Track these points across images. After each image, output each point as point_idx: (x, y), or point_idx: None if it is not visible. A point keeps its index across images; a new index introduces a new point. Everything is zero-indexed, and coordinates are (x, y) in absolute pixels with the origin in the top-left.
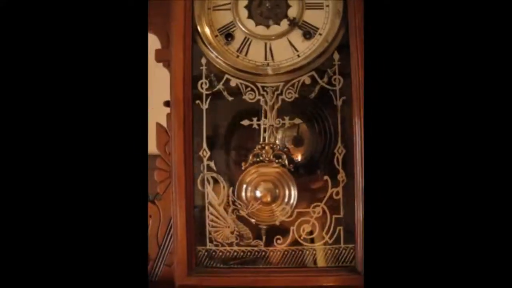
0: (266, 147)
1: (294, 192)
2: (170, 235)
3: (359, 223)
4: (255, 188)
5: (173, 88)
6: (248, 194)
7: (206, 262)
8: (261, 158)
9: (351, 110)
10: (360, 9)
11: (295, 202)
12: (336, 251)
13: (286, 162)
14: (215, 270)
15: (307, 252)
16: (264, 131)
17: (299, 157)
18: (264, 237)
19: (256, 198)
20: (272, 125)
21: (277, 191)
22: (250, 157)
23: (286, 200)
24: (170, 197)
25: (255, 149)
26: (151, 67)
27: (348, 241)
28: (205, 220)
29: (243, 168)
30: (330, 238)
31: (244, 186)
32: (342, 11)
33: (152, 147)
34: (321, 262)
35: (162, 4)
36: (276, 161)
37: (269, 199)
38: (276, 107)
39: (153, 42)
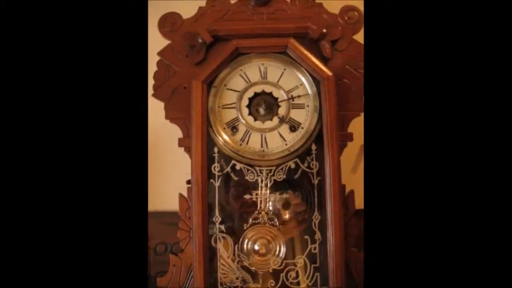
0: (262, 212)
1: (283, 246)
2: (190, 279)
3: (332, 271)
4: (254, 243)
5: (194, 171)
6: (249, 247)
7: None
8: (258, 220)
9: (324, 187)
10: (332, 111)
11: (284, 254)
12: None
13: (277, 223)
14: None
15: None
16: (260, 202)
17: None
18: (260, 281)
19: (254, 251)
20: (266, 198)
21: (270, 245)
22: (250, 220)
23: (277, 252)
24: (190, 251)
25: (254, 214)
26: (175, 150)
27: (323, 284)
28: (217, 269)
29: (245, 228)
30: (310, 281)
31: (246, 241)
32: (319, 111)
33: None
34: None
35: (182, 100)
36: (270, 222)
37: (264, 251)
38: (269, 184)
39: (177, 132)
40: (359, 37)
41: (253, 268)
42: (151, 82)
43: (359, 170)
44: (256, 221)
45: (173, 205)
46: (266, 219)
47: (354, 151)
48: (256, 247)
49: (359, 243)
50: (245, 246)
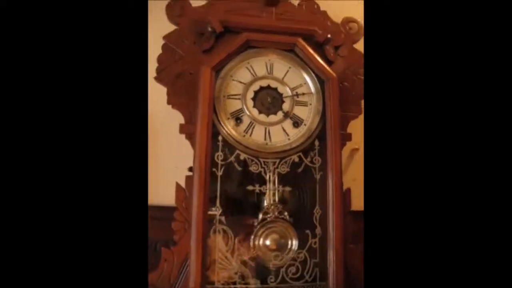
0: (272, 207)
1: (295, 241)
2: (182, 276)
3: (330, 265)
4: (266, 238)
5: (197, 158)
6: (261, 242)
7: None
8: (268, 215)
9: (326, 182)
10: (335, 109)
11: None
12: (313, 287)
13: (287, 217)
14: None
15: None
16: (265, 194)
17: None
18: (260, 277)
19: (266, 246)
20: (271, 190)
21: (282, 240)
22: (261, 215)
23: (288, 247)
24: (184, 244)
25: (264, 208)
26: (175, 136)
27: (322, 279)
28: (214, 263)
29: (255, 223)
30: (309, 277)
31: (257, 236)
32: (322, 110)
33: (169, 200)
34: None
35: (187, 86)
36: (280, 217)
37: (275, 247)
38: (273, 177)
39: (178, 118)
40: (358, 46)
41: (253, 263)
42: (153, 65)
43: (348, 172)
44: (267, 216)
45: (159, 198)
46: (277, 213)
47: (345, 153)
48: (268, 242)
49: (355, 241)
50: (256, 240)
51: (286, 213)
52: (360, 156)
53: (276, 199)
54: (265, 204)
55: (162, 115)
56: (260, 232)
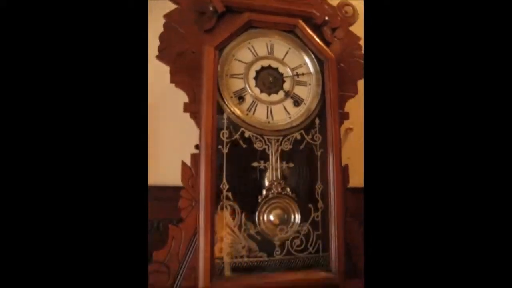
0: (275, 183)
1: (298, 216)
2: (190, 253)
3: (332, 237)
4: (270, 213)
5: (203, 135)
6: (265, 218)
7: (222, 272)
8: (272, 191)
9: (327, 159)
10: (334, 89)
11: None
12: (317, 258)
13: (290, 192)
14: (230, 277)
15: (298, 259)
16: (269, 171)
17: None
18: (266, 250)
19: (270, 221)
20: (274, 167)
21: (285, 215)
22: (264, 192)
23: (292, 222)
24: (191, 221)
25: (267, 185)
26: (179, 115)
27: (324, 251)
28: (222, 238)
29: (259, 200)
30: (313, 249)
31: (261, 212)
32: (321, 90)
33: (174, 181)
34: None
35: (190, 65)
36: (283, 193)
37: (278, 221)
38: (277, 154)
39: (182, 97)
40: (353, 29)
41: (260, 237)
42: (154, 44)
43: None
44: (270, 192)
45: (159, 179)
46: (279, 189)
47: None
48: (271, 217)
49: (353, 215)
50: (260, 216)
51: (288, 189)
52: (353, 136)
53: (279, 175)
54: (268, 180)
55: (162, 95)
56: (264, 208)
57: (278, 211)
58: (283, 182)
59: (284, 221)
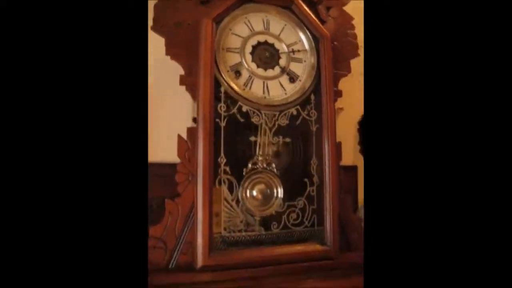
0: (261, 158)
1: (280, 190)
2: (187, 228)
3: (327, 211)
4: (252, 189)
5: (200, 109)
6: (248, 193)
7: (220, 246)
8: (256, 166)
9: (322, 134)
10: (329, 66)
11: (281, 198)
12: (312, 231)
13: (275, 169)
14: (228, 251)
15: (294, 233)
16: (265, 145)
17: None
18: (264, 225)
19: (253, 197)
20: (271, 141)
21: (268, 191)
22: (250, 165)
23: (276, 196)
24: (188, 196)
25: (261, 158)
26: (175, 88)
27: (319, 225)
28: (220, 212)
29: (244, 174)
30: (308, 222)
31: (245, 186)
32: (316, 67)
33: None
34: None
35: (186, 37)
36: (268, 168)
37: (260, 197)
38: (273, 129)
39: (178, 69)
40: (347, 8)
41: (257, 211)
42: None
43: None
44: (255, 166)
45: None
46: (264, 165)
47: None
48: (254, 193)
49: (347, 191)
50: (244, 190)
51: (273, 165)
52: (344, 115)
53: (273, 150)
54: (258, 155)
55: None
56: (246, 184)
57: (272, 187)
58: (269, 157)
59: (267, 196)
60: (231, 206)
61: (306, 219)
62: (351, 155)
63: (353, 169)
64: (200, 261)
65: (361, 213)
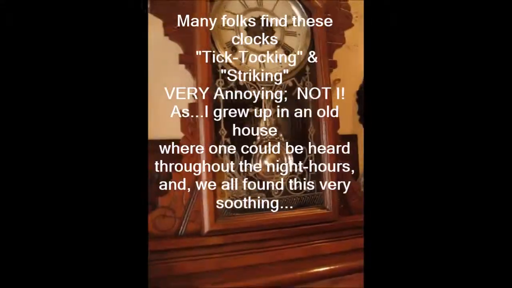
0: (269, 129)
1: (290, 159)
2: (193, 198)
3: (325, 178)
4: (264, 158)
5: (200, 80)
6: (260, 161)
7: (225, 212)
8: (265, 135)
9: (317, 104)
10: (323, 38)
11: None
12: (312, 196)
13: (282, 138)
14: (232, 217)
15: (294, 198)
16: (263, 117)
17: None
18: (265, 191)
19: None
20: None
21: (278, 159)
22: (258, 136)
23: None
24: (192, 168)
25: (261, 129)
26: (175, 66)
27: (319, 190)
28: (222, 181)
29: (254, 144)
30: (308, 188)
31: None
32: (310, 39)
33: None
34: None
35: (182, 17)
36: (276, 138)
37: (261, 166)
38: (271, 100)
39: (177, 49)
40: None
41: (258, 179)
42: None
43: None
44: (263, 135)
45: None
46: (264, 134)
47: None
48: (266, 162)
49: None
50: (256, 159)
51: (281, 135)
52: (340, 86)
53: (273, 121)
54: (262, 126)
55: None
56: (258, 153)
57: (272, 156)
58: (276, 128)
59: (278, 164)
60: (233, 175)
61: (306, 185)
62: (350, 124)
63: (352, 138)
64: (206, 227)
65: (362, 180)
